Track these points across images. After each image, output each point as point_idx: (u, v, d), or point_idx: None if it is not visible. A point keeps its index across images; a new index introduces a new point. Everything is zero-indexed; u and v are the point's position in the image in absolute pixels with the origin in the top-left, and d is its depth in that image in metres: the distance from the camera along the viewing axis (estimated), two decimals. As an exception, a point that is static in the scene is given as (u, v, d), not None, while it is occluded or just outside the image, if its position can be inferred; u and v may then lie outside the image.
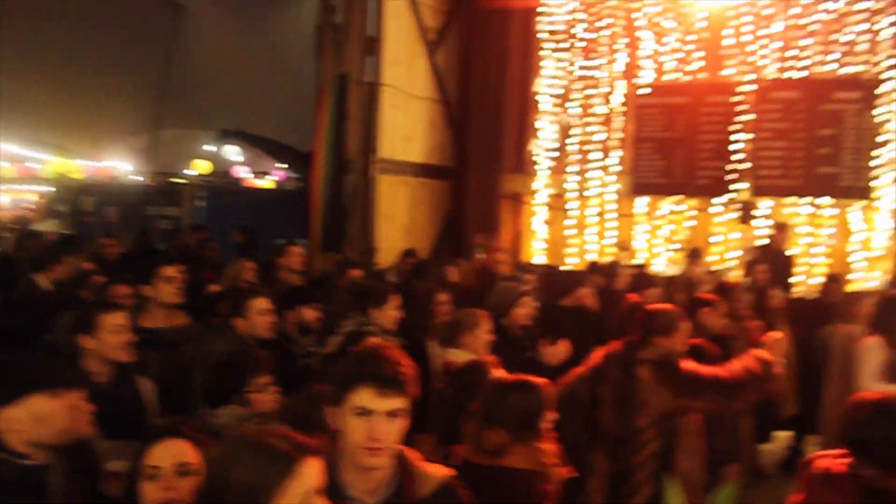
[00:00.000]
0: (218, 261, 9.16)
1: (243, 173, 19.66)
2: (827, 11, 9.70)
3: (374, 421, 2.21)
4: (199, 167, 19.09)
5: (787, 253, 9.23)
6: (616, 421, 4.16)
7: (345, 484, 2.29)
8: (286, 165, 18.88)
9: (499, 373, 3.71)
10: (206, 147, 19.98)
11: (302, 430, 2.16)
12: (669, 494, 1.97)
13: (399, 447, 2.31)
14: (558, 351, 5.12)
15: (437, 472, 2.39)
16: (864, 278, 9.27)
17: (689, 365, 4.10)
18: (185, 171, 19.05)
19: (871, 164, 9.37)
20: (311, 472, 1.92)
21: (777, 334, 4.30)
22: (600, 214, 10.90)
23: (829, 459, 2.74)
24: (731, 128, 10.07)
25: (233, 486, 1.85)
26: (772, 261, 8.68)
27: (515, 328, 5.33)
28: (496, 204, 11.15)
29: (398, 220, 10.61)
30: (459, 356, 4.36)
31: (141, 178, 18.17)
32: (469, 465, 3.03)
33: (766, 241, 9.35)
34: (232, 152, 19.88)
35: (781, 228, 9.18)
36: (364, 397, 2.21)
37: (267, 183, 19.69)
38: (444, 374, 4.07)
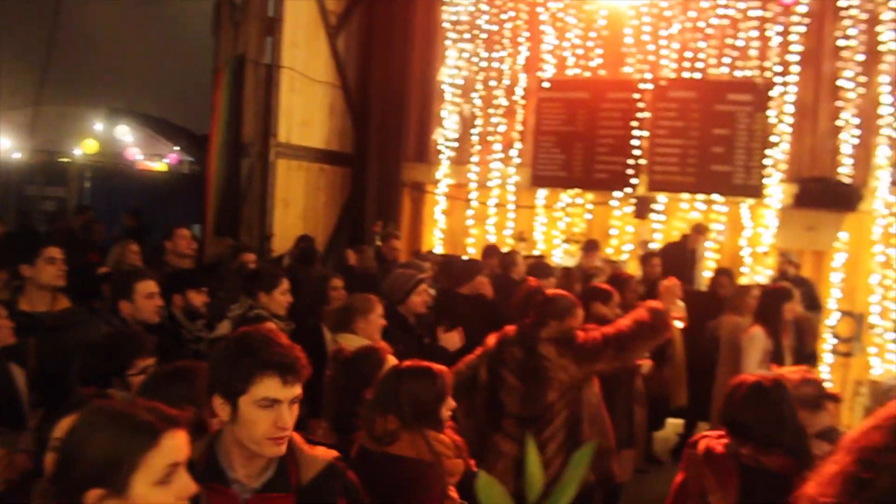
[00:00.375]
0: (103, 244, 8.79)
1: (136, 155, 18.93)
2: (722, 17, 10.00)
3: (280, 410, 2.16)
4: (87, 147, 18.25)
5: (696, 253, 9.44)
6: (523, 400, 4.23)
7: (227, 467, 2.21)
8: (180, 148, 18.28)
9: (392, 359, 3.67)
10: (95, 126, 19.11)
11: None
12: (529, 454, 1.96)
13: None
14: (454, 336, 5.22)
15: (322, 454, 2.34)
16: (753, 272, 9.64)
17: (581, 335, 4.28)
18: (72, 151, 18.18)
19: (762, 163, 9.72)
20: (176, 444, 1.81)
21: (671, 280, 4.42)
22: (500, 205, 10.96)
23: (710, 440, 2.85)
24: (630, 124, 10.27)
25: (88, 457, 1.73)
26: (679, 258, 8.93)
27: (411, 315, 5.32)
28: (396, 192, 11.06)
29: (295, 206, 10.40)
30: (352, 341, 4.30)
31: (21, 156, 17.20)
32: (363, 451, 3.01)
33: (680, 237, 9.57)
34: (122, 132, 19.09)
35: (699, 230, 9.40)
36: (270, 388, 2.15)
37: (160, 166, 19.02)
38: (335, 361, 4.00)
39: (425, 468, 2.96)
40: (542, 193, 10.81)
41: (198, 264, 7.26)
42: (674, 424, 7.69)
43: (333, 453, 2.37)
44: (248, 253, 6.91)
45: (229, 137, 9.69)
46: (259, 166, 9.83)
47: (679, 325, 4.37)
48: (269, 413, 2.15)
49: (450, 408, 3.18)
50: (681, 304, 4.39)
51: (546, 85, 10.75)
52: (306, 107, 10.54)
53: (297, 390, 2.19)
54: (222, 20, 9.87)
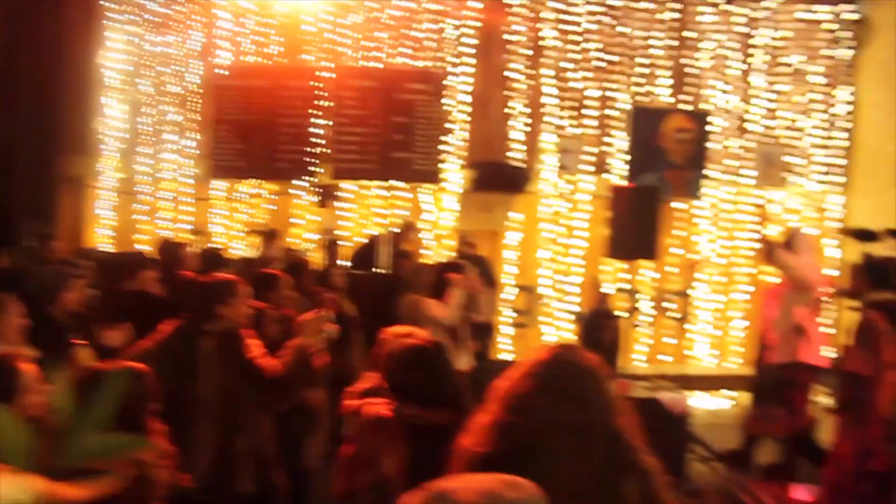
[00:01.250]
0: None
1: None
2: (399, 9, 10.24)
3: None
4: None
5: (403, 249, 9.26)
6: (176, 392, 3.96)
7: None
8: None
9: (28, 366, 3.17)
10: None
11: None
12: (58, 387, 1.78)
13: None
14: (118, 334, 4.98)
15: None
16: (434, 254, 9.95)
17: (252, 350, 4.09)
18: None
19: (439, 150, 10.06)
20: None
21: (308, 315, 4.31)
22: (175, 199, 10.31)
23: (376, 406, 2.85)
24: (310, 112, 10.11)
25: None
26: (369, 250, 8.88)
27: (64, 315, 4.89)
28: (52, 188, 9.91)
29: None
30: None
31: None
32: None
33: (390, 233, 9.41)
34: None
35: (408, 228, 9.34)
36: None
37: None
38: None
39: (128, 484, 2.61)
40: (220, 185, 10.34)
41: None
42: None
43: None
44: None
45: None
46: None
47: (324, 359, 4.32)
48: None
49: (153, 410, 2.90)
50: (328, 330, 4.23)
51: (222, 72, 10.25)
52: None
53: None
54: None
